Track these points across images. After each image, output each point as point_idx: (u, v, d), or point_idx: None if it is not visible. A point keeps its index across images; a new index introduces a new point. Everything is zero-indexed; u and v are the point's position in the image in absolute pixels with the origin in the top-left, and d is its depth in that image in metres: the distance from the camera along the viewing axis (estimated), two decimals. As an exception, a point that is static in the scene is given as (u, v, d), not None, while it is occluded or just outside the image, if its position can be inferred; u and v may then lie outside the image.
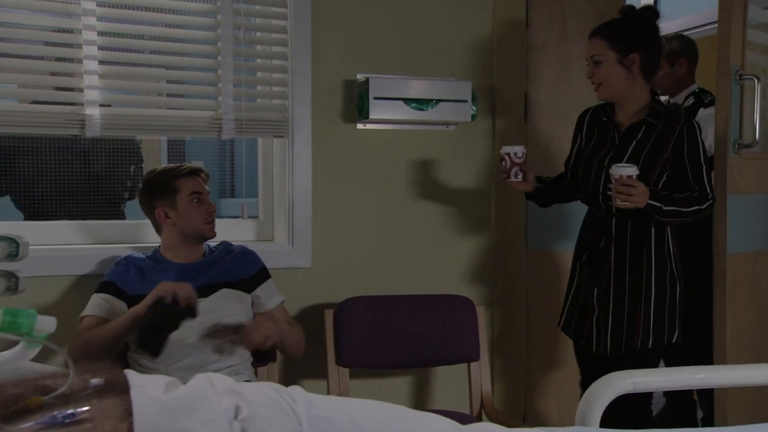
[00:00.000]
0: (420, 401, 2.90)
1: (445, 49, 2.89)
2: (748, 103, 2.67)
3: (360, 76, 2.76)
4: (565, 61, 3.05)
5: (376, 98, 2.68)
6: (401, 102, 2.73)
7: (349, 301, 2.62)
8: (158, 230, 2.36)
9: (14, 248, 1.80)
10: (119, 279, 2.25)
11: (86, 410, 0.71)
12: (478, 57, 2.95)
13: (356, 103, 2.75)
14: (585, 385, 2.54)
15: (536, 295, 3.06)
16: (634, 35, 2.32)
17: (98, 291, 2.25)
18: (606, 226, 2.39)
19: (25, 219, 2.89)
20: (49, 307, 2.37)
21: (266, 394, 0.79)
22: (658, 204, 2.23)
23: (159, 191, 2.30)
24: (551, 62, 3.05)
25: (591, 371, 2.46)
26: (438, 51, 2.88)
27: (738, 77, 2.68)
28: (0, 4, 2.39)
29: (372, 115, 2.69)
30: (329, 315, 2.60)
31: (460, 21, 2.90)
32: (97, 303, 2.23)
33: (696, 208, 2.29)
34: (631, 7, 2.42)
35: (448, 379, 2.91)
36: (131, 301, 2.20)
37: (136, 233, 2.60)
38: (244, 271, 2.37)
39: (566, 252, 3.08)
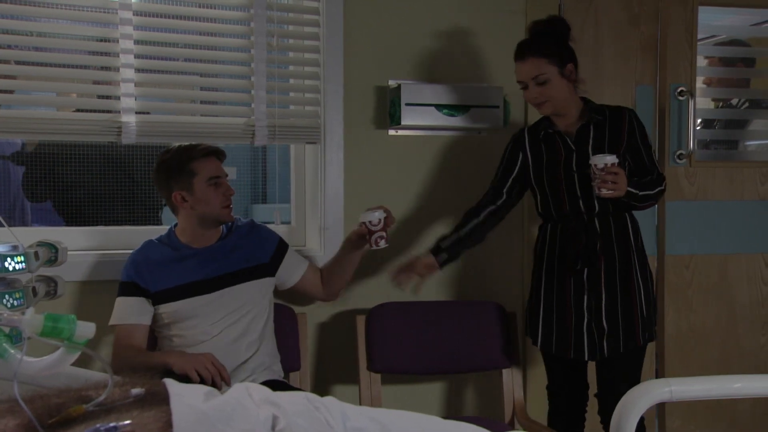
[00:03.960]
0: (451, 408, 2.90)
1: (476, 54, 2.88)
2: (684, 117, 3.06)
3: (392, 83, 2.76)
4: (597, 66, 3.02)
5: (407, 104, 2.69)
6: (433, 108, 2.73)
7: (381, 306, 2.62)
8: (174, 212, 2.36)
9: (53, 254, 1.84)
10: (140, 278, 2.27)
11: (128, 423, 0.72)
12: (509, 62, 2.91)
13: (388, 109, 2.76)
14: (555, 390, 2.54)
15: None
16: (563, 46, 2.36)
17: (121, 293, 2.28)
18: (590, 229, 2.36)
19: (64, 224, 2.94)
20: (86, 312, 2.41)
21: (302, 405, 0.80)
22: (634, 190, 2.27)
23: (175, 174, 2.28)
24: (583, 66, 3.00)
25: (563, 376, 2.50)
26: (470, 57, 2.87)
27: (677, 94, 3.05)
28: (40, 15, 2.44)
29: (404, 121, 2.69)
30: (361, 321, 2.61)
31: (492, 26, 2.90)
32: (123, 309, 2.26)
33: (659, 189, 2.38)
34: (550, 20, 2.43)
35: (479, 386, 2.90)
36: (156, 298, 2.26)
37: (172, 239, 2.63)
38: (262, 254, 2.39)
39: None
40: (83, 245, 2.51)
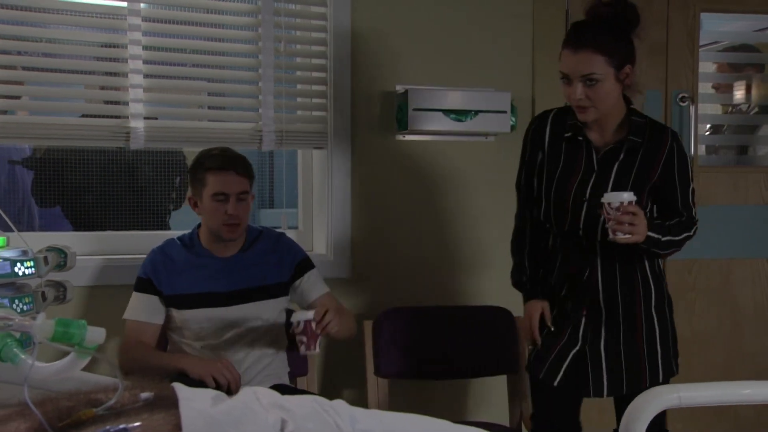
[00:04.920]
0: (459, 413, 2.89)
1: (483, 59, 2.89)
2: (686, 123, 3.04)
3: (399, 88, 2.77)
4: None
5: (415, 109, 2.69)
6: (440, 113, 2.74)
7: (388, 312, 2.62)
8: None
9: (62, 259, 1.85)
10: (155, 277, 2.25)
11: (137, 426, 0.72)
12: (517, 67, 2.94)
13: (395, 114, 2.77)
14: (539, 420, 2.23)
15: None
16: (625, 43, 1.96)
17: (137, 289, 2.27)
18: (591, 256, 2.05)
19: (73, 229, 2.95)
20: (94, 317, 2.41)
21: (311, 408, 0.80)
22: (656, 235, 1.93)
23: (192, 178, 2.26)
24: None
25: (547, 407, 2.19)
26: (477, 61, 2.88)
27: (679, 100, 3.03)
28: (49, 21, 2.46)
29: (411, 127, 2.70)
30: (368, 326, 2.61)
31: (499, 31, 2.90)
32: (136, 305, 2.25)
33: (686, 235, 2.03)
34: (618, 2, 1.96)
35: (487, 391, 2.89)
36: (169, 301, 2.24)
37: (179, 243, 2.64)
38: (282, 273, 2.33)
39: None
40: (91, 250, 2.52)
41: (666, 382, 2.10)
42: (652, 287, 2.08)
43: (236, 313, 2.26)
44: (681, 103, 3.08)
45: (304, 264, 2.38)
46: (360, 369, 2.59)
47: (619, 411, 2.15)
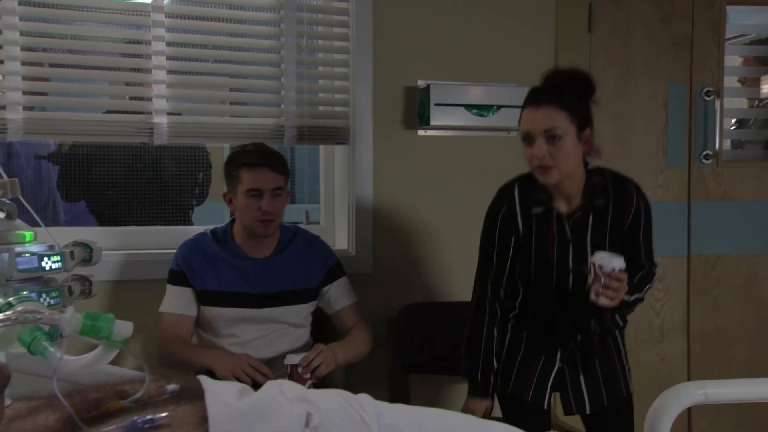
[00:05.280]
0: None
1: (506, 54, 2.87)
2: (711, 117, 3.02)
3: (421, 83, 2.76)
4: (629, 65, 3.00)
5: (437, 104, 2.68)
6: (462, 108, 2.73)
7: (409, 307, 2.62)
8: None
9: (88, 253, 1.86)
10: (188, 270, 2.26)
11: (165, 416, 0.73)
12: (539, 62, 2.91)
13: (417, 109, 2.76)
14: None
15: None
16: (584, 106, 1.94)
17: (170, 281, 2.28)
18: (581, 325, 2.06)
19: (97, 224, 2.98)
20: (118, 312, 2.41)
21: (336, 402, 0.81)
22: (628, 297, 1.94)
23: (227, 175, 2.26)
24: (614, 67, 3.00)
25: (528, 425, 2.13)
26: (499, 56, 2.87)
27: (704, 94, 3.01)
28: (73, 18, 2.48)
29: (433, 122, 2.69)
30: (390, 321, 2.61)
31: (522, 25, 2.89)
32: (171, 299, 2.27)
33: (648, 287, 2.06)
34: (575, 72, 2.00)
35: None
36: (200, 296, 2.25)
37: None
38: (312, 278, 2.34)
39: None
40: (115, 245, 2.54)
41: (631, 393, 2.15)
42: (618, 318, 2.12)
43: (264, 314, 2.27)
44: (706, 98, 3.05)
45: (335, 271, 2.38)
46: (381, 363, 2.60)
47: (589, 423, 2.18)
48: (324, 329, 2.48)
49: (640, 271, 2.03)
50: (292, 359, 2.12)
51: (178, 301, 2.26)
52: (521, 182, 2.05)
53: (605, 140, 3.00)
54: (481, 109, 2.75)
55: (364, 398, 0.83)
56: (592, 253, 1.94)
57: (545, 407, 2.09)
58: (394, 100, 2.76)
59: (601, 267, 1.83)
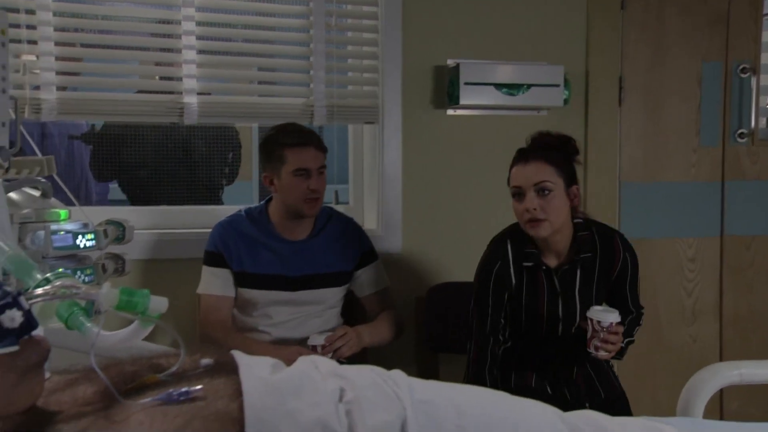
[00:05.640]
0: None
1: (536, 32, 2.84)
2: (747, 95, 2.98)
3: (450, 62, 2.74)
4: (663, 42, 2.95)
5: (466, 83, 2.66)
6: (492, 87, 2.71)
7: (439, 287, 2.62)
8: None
9: (121, 232, 1.89)
10: (225, 251, 2.26)
11: (200, 389, 0.74)
12: (570, 40, 2.88)
13: (447, 88, 2.74)
14: None
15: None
16: (570, 164, 2.04)
17: (207, 263, 2.28)
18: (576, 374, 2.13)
19: (128, 204, 3.01)
20: (151, 290, 2.46)
21: (369, 378, 0.81)
22: (620, 344, 2.00)
23: (268, 156, 2.24)
24: (648, 44, 2.95)
25: None
26: (529, 35, 2.83)
27: (740, 71, 2.96)
28: (105, -2, 2.50)
29: (462, 101, 2.67)
30: (419, 301, 2.62)
31: (553, 3, 2.85)
32: (210, 280, 2.27)
33: (637, 329, 2.15)
34: (559, 136, 2.07)
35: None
36: (237, 278, 2.27)
37: (232, 218, 2.67)
38: (347, 262, 2.35)
39: (663, 240, 3.01)
40: (146, 224, 2.56)
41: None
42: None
43: (299, 297, 2.29)
44: (742, 75, 2.99)
45: (368, 255, 2.39)
46: (410, 343, 2.60)
47: None
48: (354, 310, 2.49)
49: (629, 316, 2.10)
50: (315, 340, 2.13)
51: (216, 283, 2.26)
52: (512, 236, 2.10)
53: (637, 119, 2.96)
54: (511, 88, 2.73)
55: (397, 374, 0.83)
56: (580, 303, 2.04)
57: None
58: (423, 79, 2.75)
59: (599, 322, 1.90)
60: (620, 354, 2.03)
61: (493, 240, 2.14)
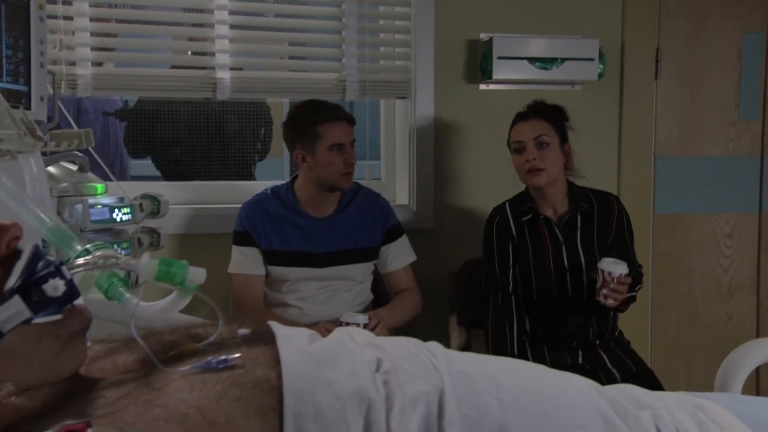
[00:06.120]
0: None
1: (571, 5, 2.80)
2: None
3: (483, 36, 2.71)
4: (702, 14, 2.89)
5: (499, 58, 2.63)
6: (525, 61, 2.67)
7: (471, 262, 2.61)
8: (297, 167, 2.33)
9: (156, 206, 1.90)
10: (253, 230, 2.28)
11: (238, 357, 0.74)
12: (605, 12, 2.83)
13: (479, 63, 2.72)
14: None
15: (662, 261, 2.95)
16: (563, 126, 2.28)
17: (236, 243, 2.30)
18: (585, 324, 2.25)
19: (162, 179, 3.04)
20: (185, 263, 2.49)
21: (406, 348, 0.81)
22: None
23: (300, 133, 2.24)
24: (686, 15, 2.89)
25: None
26: (564, 7, 2.79)
27: None
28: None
29: (495, 75, 2.64)
30: (451, 276, 2.61)
31: (588, -25, 2.80)
32: (240, 259, 2.29)
33: (639, 288, 2.26)
34: (552, 105, 2.31)
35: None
36: (266, 256, 2.28)
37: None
38: (373, 237, 2.35)
39: (699, 216, 2.97)
40: (180, 199, 2.59)
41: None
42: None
43: (328, 273, 2.30)
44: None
45: (395, 230, 2.39)
46: (442, 318, 2.60)
47: None
48: (380, 286, 2.50)
49: (632, 272, 2.18)
50: (349, 318, 2.11)
51: (246, 262, 2.29)
52: (510, 200, 2.34)
53: (674, 93, 2.91)
54: (544, 62, 2.69)
55: (434, 345, 0.83)
56: (583, 254, 2.21)
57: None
58: (456, 53, 2.72)
59: (609, 273, 2.05)
60: (623, 304, 2.16)
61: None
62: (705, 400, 0.89)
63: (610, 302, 2.07)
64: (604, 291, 2.06)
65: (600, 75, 2.75)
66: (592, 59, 2.72)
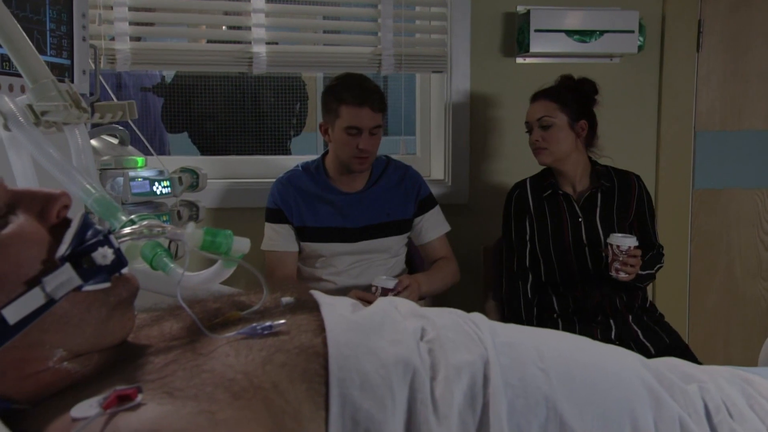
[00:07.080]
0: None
1: (611, -24, 2.74)
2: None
3: (520, 8, 2.68)
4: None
5: (537, 30, 2.60)
6: (563, 34, 2.63)
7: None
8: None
9: (195, 179, 1.92)
10: (285, 207, 2.28)
11: (283, 323, 0.75)
12: (646, -17, 2.77)
13: (516, 36, 2.68)
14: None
15: (702, 237, 2.91)
16: (581, 103, 2.28)
17: (269, 220, 2.31)
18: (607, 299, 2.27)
19: (199, 154, 3.07)
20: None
21: (450, 319, 0.81)
22: (642, 272, 2.18)
23: (325, 106, 2.24)
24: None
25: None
26: (603, -22, 2.74)
27: None
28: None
29: (532, 49, 2.61)
30: (486, 251, 2.60)
31: (629, -55, 2.74)
32: (273, 236, 2.30)
33: (658, 266, 2.27)
34: (579, 80, 2.32)
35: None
36: (299, 232, 2.30)
37: (300, 168, 2.69)
38: (406, 209, 2.35)
39: (740, 191, 2.92)
40: (216, 174, 2.61)
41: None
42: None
43: (361, 247, 2.30)
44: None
45: (427, 201, 2.38)
46: (476, 293, 2.60)
47: None
48: (414, 258, 2.50)
49: (651, 251, 2.25)
50: (381, 282, 2.11)
51: (278, 239, 2.29)
52: (532, 177, 2.39)
53: (717, 66, 2.85)
54: (582, 35, 2.65)
55: (478, 317, 0.83)
56: (602, 230, 2.23)
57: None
58: (492, 26, 2.69)
59: (618, 247, 2.08)
60: (640, 280, 2.19)
61: None
62: (754, 375, 0.88)
63: (623, 276, 2.10)
64: (616, 265, 2.10)
65: (640, 47, 2.70)
66: (631, 31, 2.66)
